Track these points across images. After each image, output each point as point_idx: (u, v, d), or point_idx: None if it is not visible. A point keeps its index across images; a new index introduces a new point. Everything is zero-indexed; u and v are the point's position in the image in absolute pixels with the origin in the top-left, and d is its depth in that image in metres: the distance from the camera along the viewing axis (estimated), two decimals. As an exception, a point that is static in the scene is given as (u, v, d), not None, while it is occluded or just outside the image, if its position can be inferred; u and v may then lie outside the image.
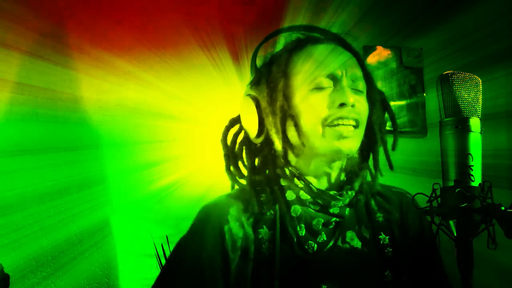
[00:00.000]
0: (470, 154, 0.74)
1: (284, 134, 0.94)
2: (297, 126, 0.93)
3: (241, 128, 1.05)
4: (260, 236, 0.91)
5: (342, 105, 0.89)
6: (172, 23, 1.88)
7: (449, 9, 2.05)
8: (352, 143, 0.91)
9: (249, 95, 0.99)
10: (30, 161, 1.71)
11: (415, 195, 0.92)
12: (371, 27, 2.11)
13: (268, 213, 0.94)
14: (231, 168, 1.04)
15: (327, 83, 0.92)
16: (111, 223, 1.81)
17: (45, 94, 1.77)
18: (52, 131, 1.75)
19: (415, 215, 1.00)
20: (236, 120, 1.06)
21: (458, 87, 0.78)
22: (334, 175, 0.97)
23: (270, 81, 0.97)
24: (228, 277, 0.89)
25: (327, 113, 0.90)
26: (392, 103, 2.07)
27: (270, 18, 1.92)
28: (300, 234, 0.91)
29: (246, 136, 1.03)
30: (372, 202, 0.99)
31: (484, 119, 0.78)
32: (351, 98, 0.90)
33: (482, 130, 0.77)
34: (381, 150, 1.01)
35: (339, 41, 1.01)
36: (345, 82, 0.92)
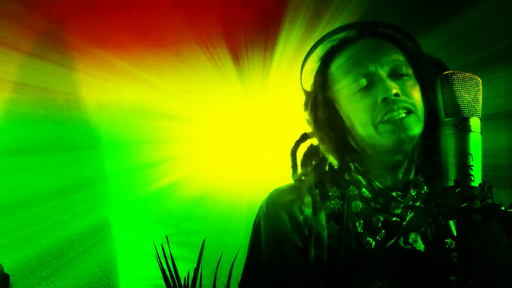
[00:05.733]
0: (470, 154, 0.74)
1: (343, 142, 0.96)
2: (351, 135, 0.94)
3: (312, 147, 1.06)
4: (328, 230, 0.93)
5: (384, 99, 0.88)
6: (172, 23, 1.88)
7: (449, 9, 2.05)
8: (410, 130, 0.87)
9: (306, 119, 1.01)
10: (30, 161, 1.71)
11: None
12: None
13: (336, 208, 0.95)
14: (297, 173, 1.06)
15: (364, 81, 0.91)
16: (111, 223, 1.81)
17: (45, 94, 1.76)
18: (52, 131, 1.76)
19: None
20: (306, 136, 1.06)
21: (458, 87, 0.78)
22: (399, 172, 0.94)
23: (314, 101, 0.99)
24: (307, 259, 0.91)
25: (374, 112, 0.89)
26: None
27: (270, 18, 1.92)
28: (359, 230, 0.91)
29: (314, 149, 1.04)
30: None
31: (484, 119, 0.78)
32: (393, 88, 0.88)
33: (482, 130, 0.77)
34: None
35: (372, 32, 0.99)
36: (382, 74, 0.91)
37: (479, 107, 0.78)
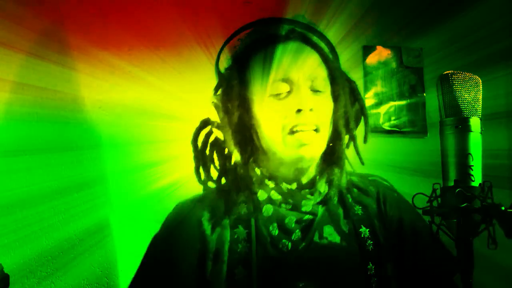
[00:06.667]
0: (470, 154, 0.74)
1: (248, 141, 0.94)
2: (257, 135, 0.93)
3: (211, 131, 1.04)
4: (235, 236, 0.91)
5: (299, 111, 0.87)
6: (172, 23, 1.88)
7: (449, 9, 2.05)
8: (313, 149, 0.89)
9: (212, 102, 0.99)
10: (30, 161, 1.71)
11: (415, 195, 0.92)
12: (371, 27, 2.11)
13: (242, 212, 0.94)
14: (200, 169, 1.02)
15: (284, 87, 0.90)
16: (111, 223, 1.81)
17: (45, 94, 1.76)
18: (52, 131, 1.75)
19: (393, 203, 0.98)
20: (207, 122, 1.04)
21: (458, 87, 0.78)
22: (304, 176, 0.96)
23: (229, 89, 0.96)
24: (203, 279, 0.89)
25: (285, 121, 0.89)
26: (392, 103, 2.08)
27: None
28: (273, 234, 0.90)
29: (217, 139, 1.02)
30: (348, 196, 0.97)
31: (484, 119, 0.78)
32: (309, 102, 0.87)
33: (482, 130, 0.77)
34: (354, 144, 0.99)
35: (303, 37, 0.98)
36: (302, 84, 0.90)
37: (479, 107, 0.79)
